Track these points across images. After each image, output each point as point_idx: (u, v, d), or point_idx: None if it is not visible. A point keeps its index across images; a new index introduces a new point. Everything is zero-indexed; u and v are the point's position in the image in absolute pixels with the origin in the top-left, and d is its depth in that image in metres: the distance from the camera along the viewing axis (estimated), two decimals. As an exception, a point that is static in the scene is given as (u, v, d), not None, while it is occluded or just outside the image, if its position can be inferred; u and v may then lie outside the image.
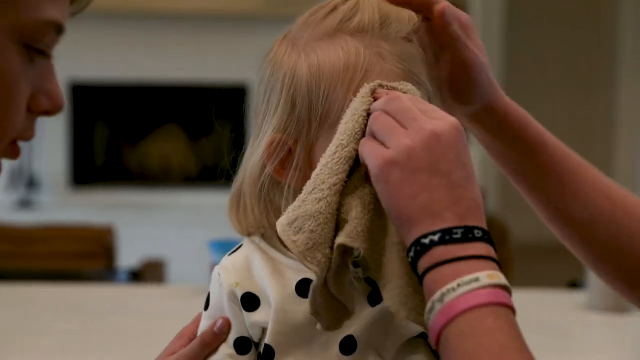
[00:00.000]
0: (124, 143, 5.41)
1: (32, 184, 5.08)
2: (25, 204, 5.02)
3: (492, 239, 0.86)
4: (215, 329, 0.98)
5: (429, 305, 0.82)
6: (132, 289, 2.47)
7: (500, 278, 0.82)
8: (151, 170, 5.39)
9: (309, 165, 0.95)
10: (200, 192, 5.11)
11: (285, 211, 0.91)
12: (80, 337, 1.90)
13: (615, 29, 5.79)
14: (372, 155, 0.86)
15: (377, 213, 0.88)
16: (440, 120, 0.86)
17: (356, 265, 0.89)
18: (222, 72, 5.11)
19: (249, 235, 1.00)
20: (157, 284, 3.20)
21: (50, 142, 5.11)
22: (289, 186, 0.96)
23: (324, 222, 0.87)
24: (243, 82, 5.02)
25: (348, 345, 0.95)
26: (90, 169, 5.33)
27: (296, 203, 0.88)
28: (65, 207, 4.98)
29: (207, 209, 4.82)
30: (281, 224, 0.88)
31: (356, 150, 0.88)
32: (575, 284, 2.39)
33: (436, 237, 0.82)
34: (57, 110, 0.81)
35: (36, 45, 0.78)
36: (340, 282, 0.89)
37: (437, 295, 0.81)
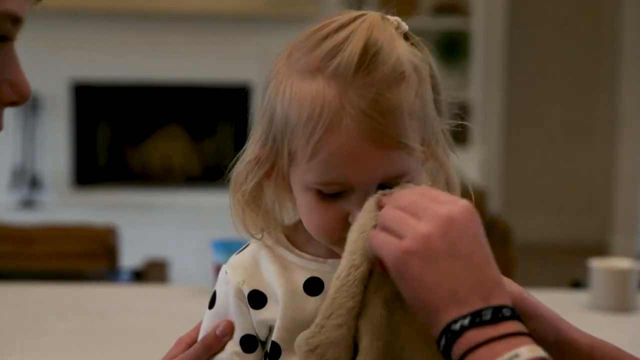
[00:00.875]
0: (126, 143, 5.40)
1: (34, 183, 5.08)
2: (27, 204, 5.02)
3: (518, 313, 0.84)
4: (217, 332, 0.99)
5: None
6: (133, 288, 2.46)
7: (537, 350, 0.81)
8: (153, 170, 5.38)
9: (288, 182, 0.96)
10: (203, 192, 5.10)
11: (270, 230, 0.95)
12: (80, 337, 1.90)
13: (617, 28, 5.78)
14: (387, 246, 0.85)
15: (392, 326, 0.87)
16: (451, 203, 0.85)
17: None
18: (223, 72, 5.11)
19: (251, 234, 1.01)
20: (159, 283, 3.20)
21: (53, 142, 5.11)
22: (272, 190, 0.98)
23: (346, 349, 0.87)
24: (245, 82, 5.01)
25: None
26: (92, 169, 5.33)
27: (314, 328, 0.87)
28: (68, 207, 4.97)
29: (209, 209, 4.80)
30: (302, 349, 0.87)
31: (369, 270, 0.87)
32: (577, 284, 2.38)
33: (466, 321, 0.81)
34: (23, 101, 0.79)
35: None
36: None
37: None
